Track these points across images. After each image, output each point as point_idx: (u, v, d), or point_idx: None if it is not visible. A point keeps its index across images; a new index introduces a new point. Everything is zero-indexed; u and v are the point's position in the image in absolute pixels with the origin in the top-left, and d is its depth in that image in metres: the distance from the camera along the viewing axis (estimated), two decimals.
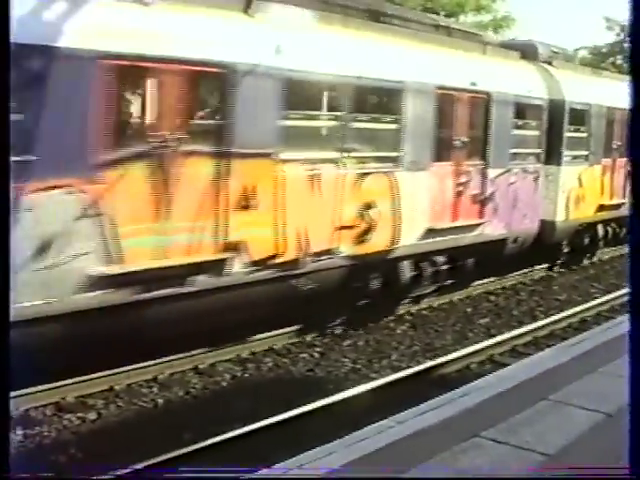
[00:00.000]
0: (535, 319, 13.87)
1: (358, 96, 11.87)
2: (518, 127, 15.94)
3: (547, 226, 16.94)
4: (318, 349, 11.66)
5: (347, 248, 11.82)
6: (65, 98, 8.21)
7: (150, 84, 9.48)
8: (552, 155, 16.92)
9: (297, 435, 7.82)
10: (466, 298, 15.01)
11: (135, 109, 9.80)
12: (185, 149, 9.24)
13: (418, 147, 12.93)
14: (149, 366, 9.95)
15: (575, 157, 17.78)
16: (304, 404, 8.83)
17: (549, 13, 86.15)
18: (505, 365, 9.94)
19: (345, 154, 11.52)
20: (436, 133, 13.32)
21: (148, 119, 9.67)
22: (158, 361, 10.04)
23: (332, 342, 12.03)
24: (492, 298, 15.29)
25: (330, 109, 11.79)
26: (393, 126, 12.57)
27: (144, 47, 8.80)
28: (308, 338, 11.99)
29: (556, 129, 16.91)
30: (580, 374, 7.82)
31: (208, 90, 10.57)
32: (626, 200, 19.02)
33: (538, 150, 16.62)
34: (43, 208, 8.03)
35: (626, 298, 15.42)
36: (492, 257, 15.31)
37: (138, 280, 8.98)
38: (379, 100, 13.34)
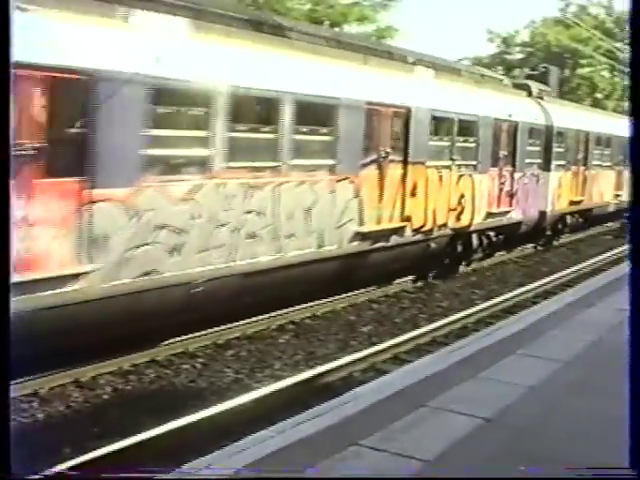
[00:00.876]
0: (417, 326, 14.05)
1: None
2: (529, 144, 22.44)
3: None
4: (200, 360, 11.54)
5: (451, 223, 18.03)
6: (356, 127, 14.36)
7: None
8: (545, 164, 23.73)
9: (178, 448, 7.70)
10: (349, 306, 15.11)
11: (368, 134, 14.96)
12: (390, 159, 15.44)
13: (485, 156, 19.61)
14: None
15: (559, 166, 24.79)
16: (185, 416, 8.70)
17: (432, 24, 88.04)
18: (387, 372, 10.01)
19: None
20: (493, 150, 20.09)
21: (374, 141, 15.12)
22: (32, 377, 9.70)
23: (215, 352, 11.93)
24: (375, 306, 15.46)
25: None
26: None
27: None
28: (191, 349, 11.85)
29: (549, 145, 23.80)
30: (459, 380, 7.98)
31: None
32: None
33: (539, 161, 23.38)
34: (341, 191, 13.93)
35: (507, 303, 15.89)
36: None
37: (369, 236, 14.86)
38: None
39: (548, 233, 25.34)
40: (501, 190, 20.57)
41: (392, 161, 15.52)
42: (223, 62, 11.75)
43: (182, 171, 11.21)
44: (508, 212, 21.11)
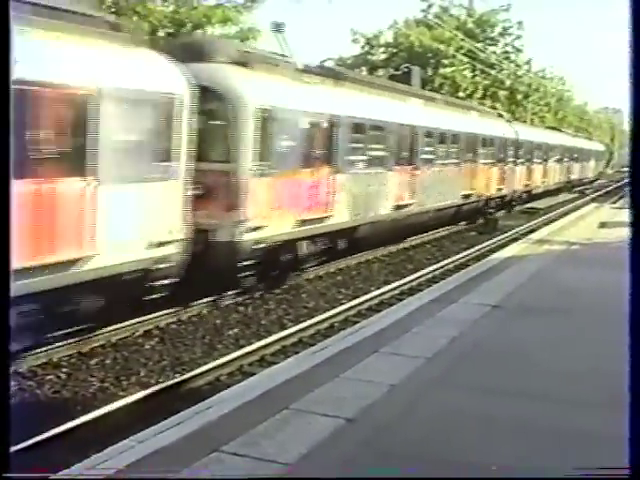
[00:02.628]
0: (283, 327, 14.16)
1: None
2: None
3: None
4: (65, 370, 11.30)
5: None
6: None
7: None
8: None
9: (41, 461, 7.52)
10: (215, 310, 15.07)
11: None
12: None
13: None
14: None
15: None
16: (49, 428, 8.54)
17: (298, 24, 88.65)
18: (254, 374, 10.07)
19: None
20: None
21: None
22: None
23: (79, 361, 11.70)
24: (241, 309, 15.44)
25: None
26: None
27: None
28: (55, 359, 11.59)
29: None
30: (323, 380, 8.12)
31: None
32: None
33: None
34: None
35: (373, 302, 16.19)
36: None
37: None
38: None
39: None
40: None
41: None
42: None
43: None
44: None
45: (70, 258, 10.72)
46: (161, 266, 12.54)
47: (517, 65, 57.68)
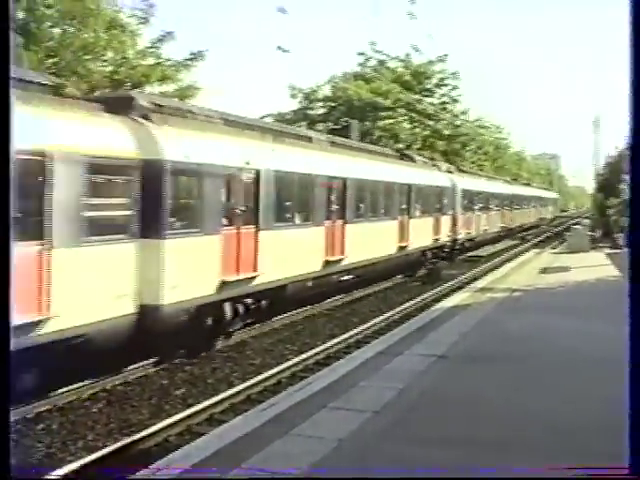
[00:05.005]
0: (231, 385, 14.18)
1: None
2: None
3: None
4: (9, 436, 11.14)
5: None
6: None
7: None
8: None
9: None
10: (161, 370, 15.04)
11: None
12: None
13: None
14: None
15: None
16: None
17: (237, 82, 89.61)
18: (203, 434, 10.09)
19: None
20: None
21: None
22: None
23: (24, 427, 11.59)
24: (187, 368, 15.43)
25: None
26: None
27: None
28: None
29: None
30: (273, 438, 8.21)
31: None
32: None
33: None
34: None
35: (319, 356, 16.29)
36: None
37: None
38: None
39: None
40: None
41: None
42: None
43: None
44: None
45: None
46: None
47: (454, 115, 58.74)
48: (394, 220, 29.01)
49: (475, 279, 29.45)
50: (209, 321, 16.36)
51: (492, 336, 15.03)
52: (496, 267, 35.07)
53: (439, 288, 27.93)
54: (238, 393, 13.58)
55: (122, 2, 25.47)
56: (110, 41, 23.79)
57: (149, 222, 14.16)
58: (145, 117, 15.01)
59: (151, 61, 25.58)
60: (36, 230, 11.71)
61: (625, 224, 42.18)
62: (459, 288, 26.58)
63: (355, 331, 19.33)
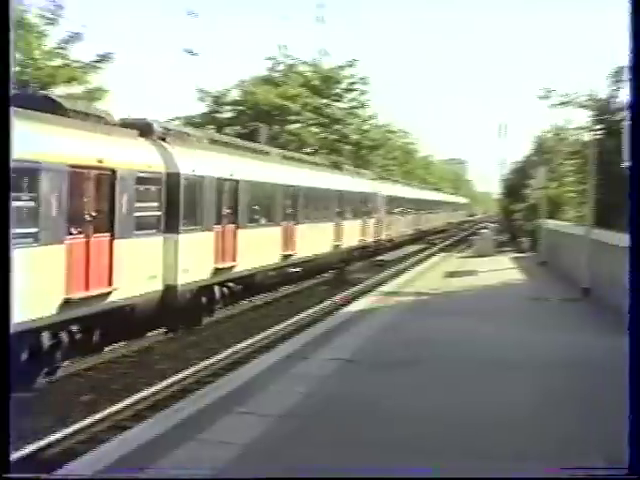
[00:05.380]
0: (137, 391, 14.06)
1: None
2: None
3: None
4: None
5: None
6: None
7: None
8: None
9: None
10: (65, 377, 14.83)
11: None
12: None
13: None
14: None
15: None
16: None
17: (146, 84, 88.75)
18: (108, 441, 9.98)
19: None
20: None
21: None
22: None
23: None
24: (91, 374, 15.26)
25: None
26: None
27: None
28: None
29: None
30: (178, 443, 8.22)
31: None
32: None
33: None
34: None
35: (227, 361, 16.29)
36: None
37: None
38: None
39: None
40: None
41: None
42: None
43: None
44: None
45: None
46: None
47: (363, 120, 59.13)
48: (331, 222, 34.85)
49: (382, 283, 29.78)
50: (204, 299, 20.94)
51: (399, 340, 15.27)
52: (404, 270, 35.54)
53: (346, 292, 28.15)
54: (144, 399, 13.48)
55: (29, 2, 24.98)
56: (16, 41, 23.33)
57: (169, 221, 18.80)
58: (162, 139, 19.59)
59: (58, 62, 25.12)
60: (107, 226, 16.08)
61: (530, 228, 43.43)
62: (366, 292, 26.82)
63: (262, 335, 19.38)
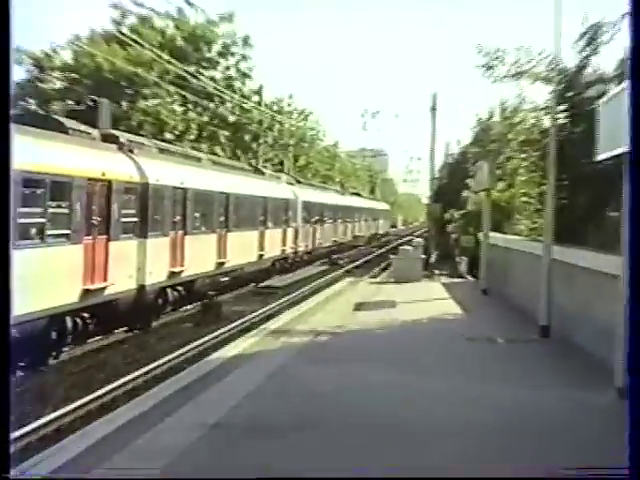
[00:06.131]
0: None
1: None
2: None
3: None
4: None
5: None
6: None
7: None
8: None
9: None
10: None
11: None
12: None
13: None
14: None
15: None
16: None
17: None
18: None
19: None
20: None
21: None
22: None
23: None
24: None
25: None
26: None
27: None
28: None
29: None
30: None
31: None
32: None
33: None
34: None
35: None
36: None
37: None
38: None
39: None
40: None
41: None
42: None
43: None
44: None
45: None
46: None
47: (243, 96, 58.42)
48: (256, 231, 43.71)
49: (269, 318, 29.54)
50: (160, 301, 30.51)
51: (287, 397, 15.02)
52: (297, 301, 35.37)
53: (221, 330, 27.87)
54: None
55: None
56: None
57: (141, 226, 28.03)
58: (131, 151, 28.71)
59: None
60: (105, 229, 25.38)
61: (468, 244, 43.55)
62: (246, 330, 26.53)
63: (101, 392, 19.11)
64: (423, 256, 46.01)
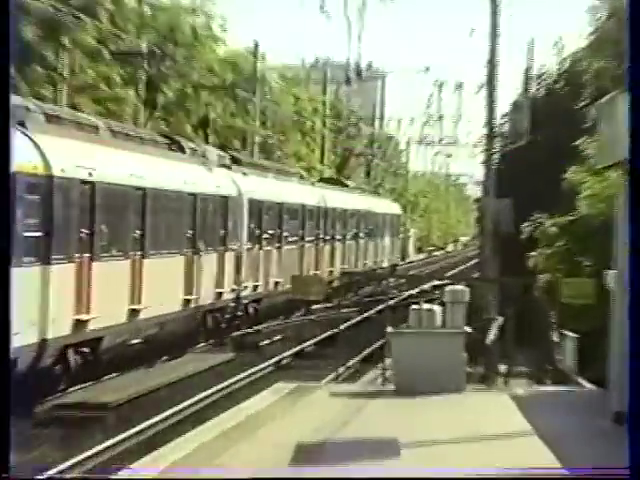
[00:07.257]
0: None
1: None
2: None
3: None
4: None
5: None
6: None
7: None
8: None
9: None
10: None
11: None
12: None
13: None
14: None
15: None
16: None
17: None
18: None
19: None
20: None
21: None
22: None
23: None
24: None
25: None
26: None
27: None
28: None
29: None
30: None
31: None
32: None
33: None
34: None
35: None
36: None
37: None
38: None
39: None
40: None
41: None
42: None
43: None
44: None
45: None
46: None
47: None
48: (181, 256, 29.88)
49: None
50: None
51: None
52: (161, 441, 15.66)
53: None
54: None
55: None
56: None
57: None
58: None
59: None
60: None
61: (579, 298, 19.68)
62: None
63: None
64: (468, 329, 19.99)
